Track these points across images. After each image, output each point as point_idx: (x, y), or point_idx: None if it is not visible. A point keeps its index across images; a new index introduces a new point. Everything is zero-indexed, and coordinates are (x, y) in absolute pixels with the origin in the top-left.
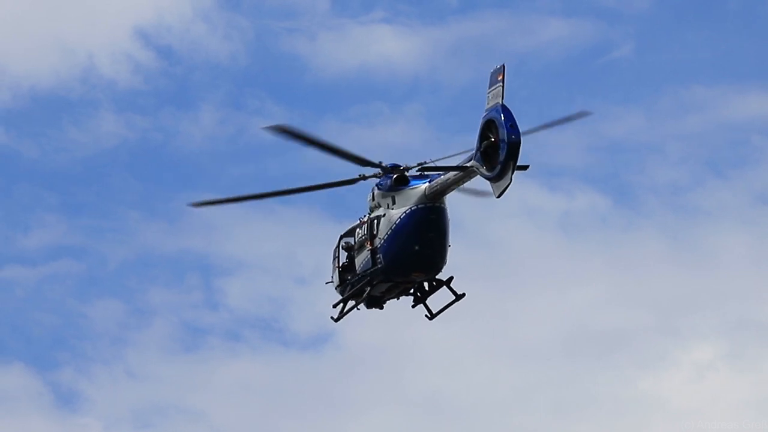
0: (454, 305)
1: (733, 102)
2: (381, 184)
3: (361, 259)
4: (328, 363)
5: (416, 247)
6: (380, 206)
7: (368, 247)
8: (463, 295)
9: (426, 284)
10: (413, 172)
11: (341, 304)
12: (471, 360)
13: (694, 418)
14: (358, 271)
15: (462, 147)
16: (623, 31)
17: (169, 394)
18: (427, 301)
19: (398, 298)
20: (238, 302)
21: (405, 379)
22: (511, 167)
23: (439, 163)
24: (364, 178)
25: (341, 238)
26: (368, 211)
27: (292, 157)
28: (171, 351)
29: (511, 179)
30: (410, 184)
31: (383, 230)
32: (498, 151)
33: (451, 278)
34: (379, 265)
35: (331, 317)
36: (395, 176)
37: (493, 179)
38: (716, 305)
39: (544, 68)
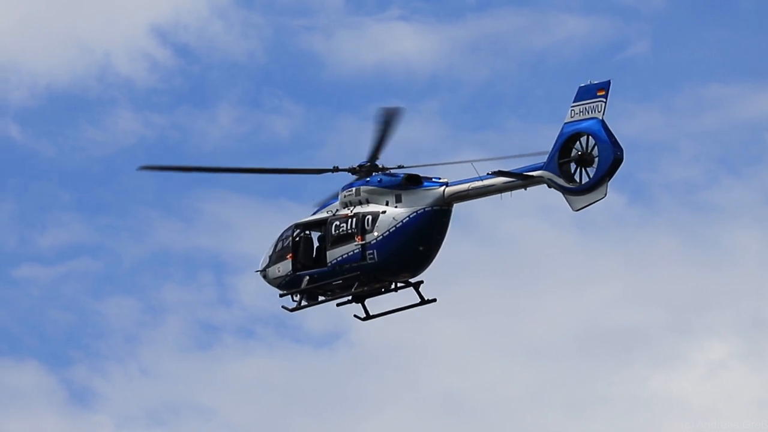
0: (402, 311)
1: (748, 100)
2: (381, 180)
3: (340, 253)
4: (343, 360)
5: (420, 248)
6: (369, 202)
7: (357, 241)
8: (434, 300)
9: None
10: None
11: (298, 296)
12: (485, 358)
13: (708, 417)
14: (330, 265)
15: (471, 146)
16: (640, 28)
17: (183, 391)
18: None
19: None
20: (251, 299)
21: (419, 376)
22: (607, 182)
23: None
24: (337, 170)
25: (295, 227)
26: (340, 204)
27: (309, 156)
28: (185, 348)
29: (605, 193)
30: (424, 185)
31: (382, 227)
32: (589, 165)
33: (421, 282)
34: (370, 261)
35: (284, 307)
36: (407, 175)
37: (577, 192)
38: (730, 303)
39: (561, 66)
